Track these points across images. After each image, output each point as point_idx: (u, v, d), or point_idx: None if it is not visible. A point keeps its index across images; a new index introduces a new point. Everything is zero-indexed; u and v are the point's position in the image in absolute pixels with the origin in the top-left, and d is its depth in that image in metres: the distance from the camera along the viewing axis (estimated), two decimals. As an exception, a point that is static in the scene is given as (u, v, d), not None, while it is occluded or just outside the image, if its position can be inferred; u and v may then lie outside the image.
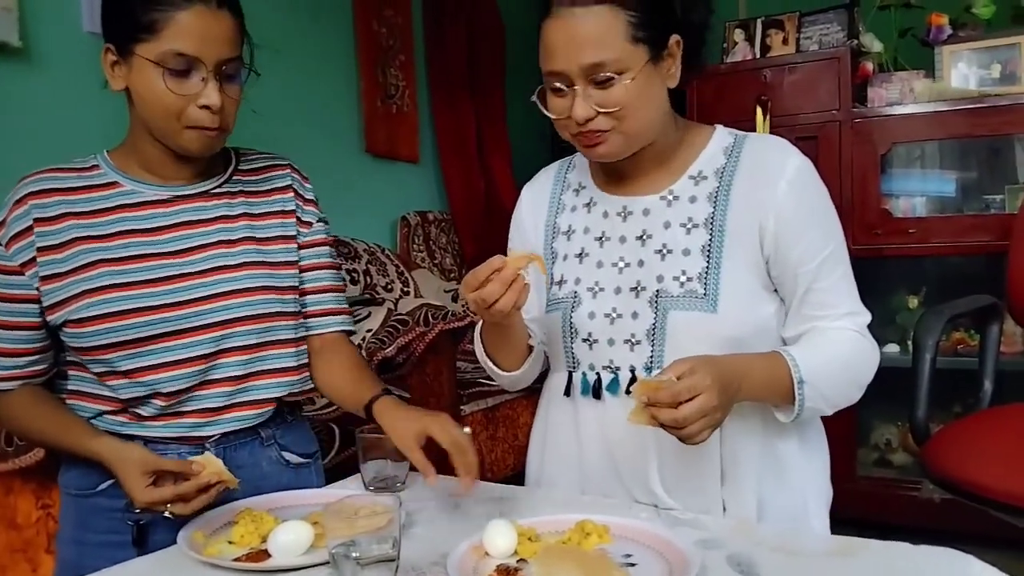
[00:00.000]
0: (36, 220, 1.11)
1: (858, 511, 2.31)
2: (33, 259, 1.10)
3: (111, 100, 1.16)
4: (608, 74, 1.02)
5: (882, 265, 2.79)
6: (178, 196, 1.17)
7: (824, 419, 1.19)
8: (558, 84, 1.06)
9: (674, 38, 1.07)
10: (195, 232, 1.16)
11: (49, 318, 1.11)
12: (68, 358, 1.17)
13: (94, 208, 1.14)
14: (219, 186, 1.21)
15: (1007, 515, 1.62)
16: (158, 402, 1.12)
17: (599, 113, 1.05)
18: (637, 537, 0.95)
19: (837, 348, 1.09)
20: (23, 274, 1.11)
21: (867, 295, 1.15)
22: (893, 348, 2.76)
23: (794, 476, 1.13)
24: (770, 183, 1.09)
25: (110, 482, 1.09)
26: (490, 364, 1.23)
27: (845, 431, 2.67)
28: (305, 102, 2.99)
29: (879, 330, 1.17)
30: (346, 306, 1.31)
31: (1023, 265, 2.06)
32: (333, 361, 1.25)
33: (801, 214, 1.09)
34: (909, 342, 2.63)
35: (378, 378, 1.24)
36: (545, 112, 1.10)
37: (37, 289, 1.11)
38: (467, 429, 1.07)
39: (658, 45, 1.05)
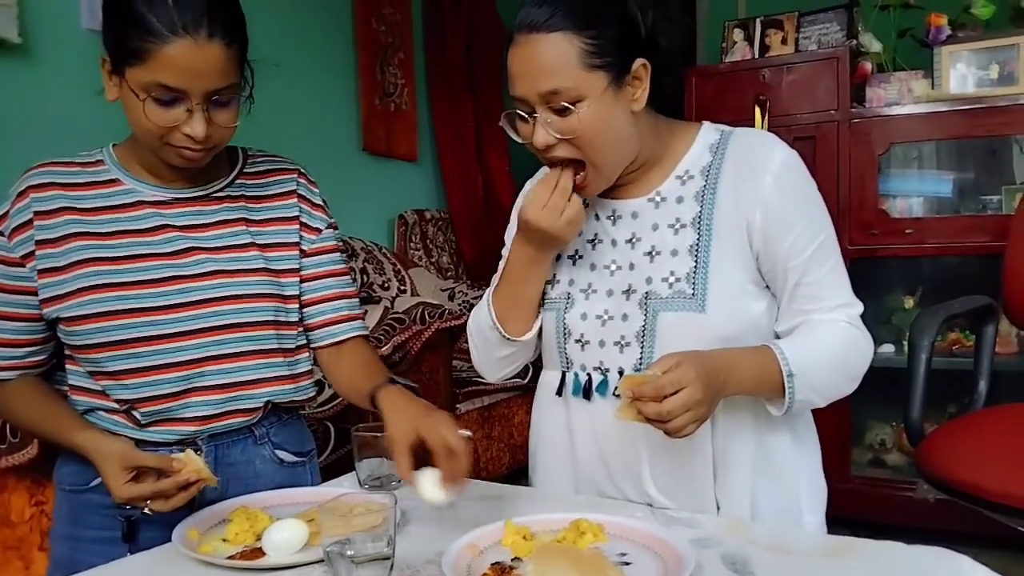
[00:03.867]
0: (36, 213, 1.11)
1: (853, 511, 2.31)
2: (32, 252, 1.10)
3: (108, 96, 1.16)
4: (564, 103, 1.02)
5: (878, 265, 2.79)
6: (178, 198, 1.16)
7: (818, 418, 1.19)
8: (521, 111, 1.06)
9: (639, 62, 1.06)
10: (192, 235, 1.15)
11: (44, 311, 1.11)
12: (67, 352, 1.16)
13: (93, 205, 1.13)
14: (220, 189, 1.19)
15: (1001, 515, 1.62)
16: (146, 407, 1.11)
17: (559, 140, 1.05)
18: (632, 536, 0.96)
19: (828, 340, 1.09)
20: (24, 266, 1.11)
21: (863, 295, 1.15)
22: (889, 348, 2.76)
23: (787, 472, 1.13)
24: (755, 177, 1.09)
25: (103, 478, 1.09)
26: (498, 329, 1.17)
27: (840, 431, 2.67)
28: (303, 100, 2.99)
29: (874, 330, 1.17)
30: (360, 311, 1.28)
31: (1019, 266, 2.06)
32: (344, 362, 1.24)
33: (788, 207, 1.08)
34: (905, 342, 2.64)
35: (386, 369, 1.22)
36: (513, 137, 1.10)
37: (35, 282, 1.11)
38: (467, 432, 1.02)
39: (620, 69, 1.04)
